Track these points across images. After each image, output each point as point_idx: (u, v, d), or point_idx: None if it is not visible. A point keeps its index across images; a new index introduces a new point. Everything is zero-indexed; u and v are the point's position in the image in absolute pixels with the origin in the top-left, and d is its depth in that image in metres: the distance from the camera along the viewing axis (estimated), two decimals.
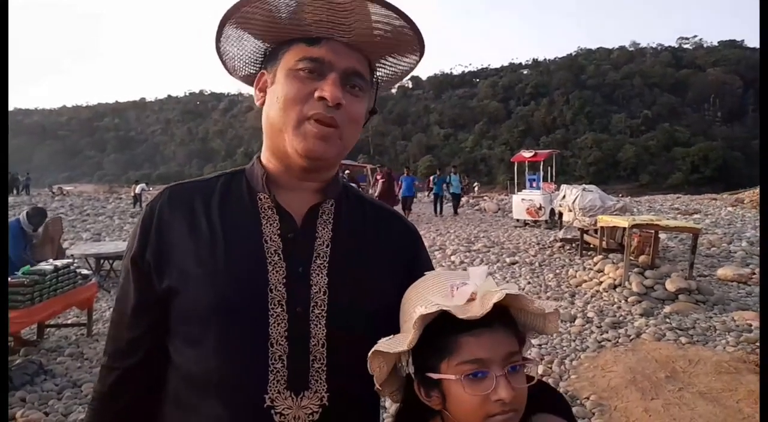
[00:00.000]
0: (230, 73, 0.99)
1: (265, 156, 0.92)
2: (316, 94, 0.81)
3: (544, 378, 4.02)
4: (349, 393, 0.85)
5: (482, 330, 0.77)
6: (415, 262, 0.97)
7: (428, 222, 14.85)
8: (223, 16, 0.85)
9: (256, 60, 0.94)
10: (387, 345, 0.79)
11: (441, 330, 0.79)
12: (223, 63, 0.96)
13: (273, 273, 0.84)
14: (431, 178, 18.78)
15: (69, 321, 5.53)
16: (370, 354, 0.79)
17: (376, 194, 13.57)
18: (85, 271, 5.29)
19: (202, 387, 0.83)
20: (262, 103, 0.90)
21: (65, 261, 5.06)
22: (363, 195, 1.04)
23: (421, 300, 0.82)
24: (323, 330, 0.84)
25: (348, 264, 0.88)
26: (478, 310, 0.76)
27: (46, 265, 4.61)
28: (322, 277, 0.85)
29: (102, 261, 7.83)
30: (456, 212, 17.05)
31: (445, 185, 17.27)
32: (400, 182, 15.90)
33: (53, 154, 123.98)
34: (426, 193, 27.73)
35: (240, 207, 0.90)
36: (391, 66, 0.93)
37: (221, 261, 0.84)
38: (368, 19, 0.81)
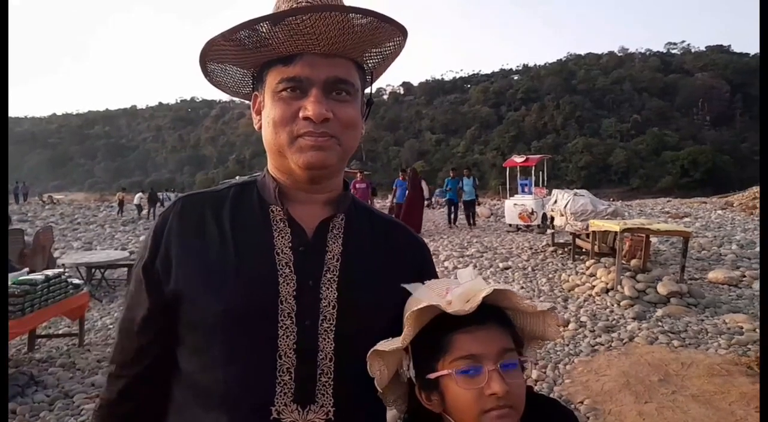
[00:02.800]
0: (233, 96, 1.01)
1: (273, 170, 0.93)
2: (301, 114, 0.82)
3: (537, 383, 4.03)
4: (355, 408, 0.85)
5: (476, 327, 0.79)
6: (423, 275, 0.98)
7: (425, 231, 14.84)
8: (199, 55, 0.87)
9: (248, 83, 0.95)
10: (384, 344, 0.81)
11: (438, 331, 0.80)
12: (222, 90, 0.98)
13: (283, 286, 0.84)
14: (445, 180, 16.01)
15: (60, 332, 5.48)
16: (368, 355, 0.81)
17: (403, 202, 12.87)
18: (76, 281, 5.23)
19: (207, 396, 0.83)
20: (260, 127, 0.90)
21: (56, 270, 5.01)
22: (371, 208, 1.05)
23: (424, 300, 0.83)
24: (331, 343, 0.84)
25: (357, 279, 0.89)
26: (465, 305, 0.77)
27: (36, 275, 4.57)
28: (331, 291, 0.86)
29: (93, 270, 7.76)
30: (473, 222, 15.11)
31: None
32: (394, 187, 14.94)
33: (43, 162, 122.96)
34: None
35: (252, 218, 0.91)
36: (377, 54, 0.92)
37: (232, 271, 0.84)
38: (333, 27, 0.79)
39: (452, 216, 15.24)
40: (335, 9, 0.78)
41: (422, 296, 0.85)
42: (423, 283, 0.90)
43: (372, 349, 0.80)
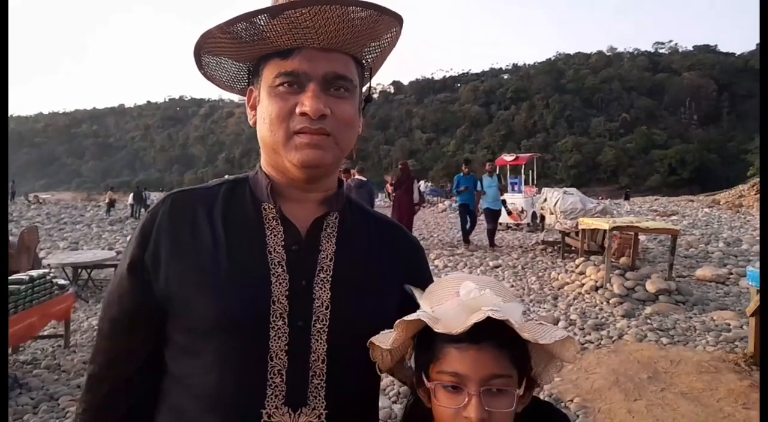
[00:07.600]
0: (227, 91, 0.99)
1: (267, 167, 0.91)
2: (298, 110, 0.80)
3: None
4: (347, 411, 0.84)
5: (469, 346, 0.75)
6: (418, 276, 0.96)
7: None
8: (194, 47, 0.85)
9: (243, 77, 0.93)
10: (378, 339, 0.79)
11: (436, 336, 0.78)
12: (216, 85, 0.96)
13: (276, 286, 0.82)
14: (455, 178, 11.07)
15: (45, 333, 5.40)
16: (368, 343, 0.80)
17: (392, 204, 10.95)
18: (61, 281, 5.16)
19: (198, 398, 0.81)
20: (255, 123, 0.88)
21: (41, 271, 4.93)
22: (366, 208, 1.03)
23: (433, 298, 0.82)
24: (324, 345, 0.82)
25: (351, 279, 0.87)
26: (453, 327, 0.73)
27: (21, 276, 4.50)
28: (325, 291, 0.84)
29: (79, 270, 7.67)
30: (492, 242, 10.49)
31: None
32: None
33: (30, 162, 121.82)
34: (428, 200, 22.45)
35: (244, 216, 0.88)
36: (376, 48, 0.90)
37: (224, 271, 0.82)
38: (333, 20, 0.78)
39: (468, 229, 10.75)
40: (335, 2, 0.76)
41: (439, 289, 0.84)
42: (427, 286, 0.88)
43: (370, 340, 0.80)
